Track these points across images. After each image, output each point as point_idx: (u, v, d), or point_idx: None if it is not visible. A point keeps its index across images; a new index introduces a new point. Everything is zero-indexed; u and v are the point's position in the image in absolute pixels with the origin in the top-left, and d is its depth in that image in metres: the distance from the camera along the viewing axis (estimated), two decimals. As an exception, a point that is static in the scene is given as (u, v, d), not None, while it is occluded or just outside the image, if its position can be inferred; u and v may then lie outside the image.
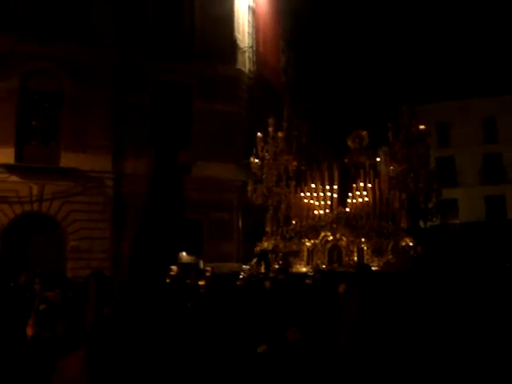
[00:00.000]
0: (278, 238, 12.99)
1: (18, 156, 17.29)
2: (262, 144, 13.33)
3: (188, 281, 10.27)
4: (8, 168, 17.00)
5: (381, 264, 12.88)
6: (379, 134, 13.39)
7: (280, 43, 21.99)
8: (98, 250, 17.66)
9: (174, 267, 12.08)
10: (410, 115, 12.98)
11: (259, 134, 13.47)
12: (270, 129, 13.27)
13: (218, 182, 18.61)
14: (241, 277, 11.04)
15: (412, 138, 12.95)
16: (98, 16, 18.17)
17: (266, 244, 12.86)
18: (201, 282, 9.83)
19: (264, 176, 13.17)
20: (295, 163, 13.35)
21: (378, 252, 12.99)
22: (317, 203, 13.23)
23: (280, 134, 13.16)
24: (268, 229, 13.24)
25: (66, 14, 17.91)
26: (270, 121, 13.33)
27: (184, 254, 18.60)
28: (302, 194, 13.31)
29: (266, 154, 13.25)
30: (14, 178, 17.09)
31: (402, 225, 12.97)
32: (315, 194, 13.24)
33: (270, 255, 12.77)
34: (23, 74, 17.42)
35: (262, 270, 12.17)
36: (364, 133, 13.75)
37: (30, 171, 17.26)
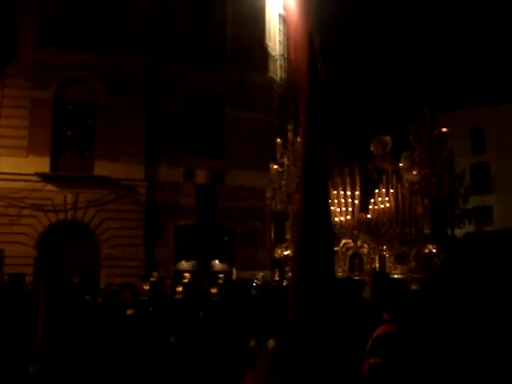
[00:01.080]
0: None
1: (53, 165, 17.79)
2: (282, 150, 13.16)
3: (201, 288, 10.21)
4: (44, 177, 17.50)
5: (404, 271, 12.45)
6: (402, 139, 12.97)
7: (310, 51, 21.73)
8: (132, 257, 17.88)
9: (186, 274, 12.08)
10: (431, 118, 12.50)
11: (278, 139, 13.32)
12: (290, 134, 13.08)
13: (250, 190, 18.55)
14: (254, 285, 10.85)
15: (434, 141, 12.46)
16: (131, 25, 18.56)
17: (279, 252, 12.65)
18: (213, 290, 9.60)
19: (283, 182, 12.97)
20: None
21: (400, 259, 12.53)
22: (338, 209, 12.91)
23: (299, 140, 12.92)
24: (288, 236, 13.01)
25: (99, 24, 18.39)
26: (289, 126, 13.15)
27: (217, 261, 18.68)
28: (323, 201, 12.99)
29: (286, 160, 13.06)
30: (49, 186, 17.57)
31: (426, 231, 12.48)
32: (336, 201, 12.93)
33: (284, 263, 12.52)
34: (59, 84, 17.95)
35: (276, 277, 11.95)
36: (387, 138, 13.35)
37: (64, 180, 17.73)
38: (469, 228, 13.15)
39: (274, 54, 20.24)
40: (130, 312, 7.83)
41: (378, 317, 4.39)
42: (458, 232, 13.31)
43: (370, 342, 4.09)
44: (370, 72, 13.26)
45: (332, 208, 12.91)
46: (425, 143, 12.57)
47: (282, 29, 20.66)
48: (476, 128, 29.06)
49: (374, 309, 5.40)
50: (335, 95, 12.86)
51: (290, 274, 12.34)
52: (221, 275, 11.48)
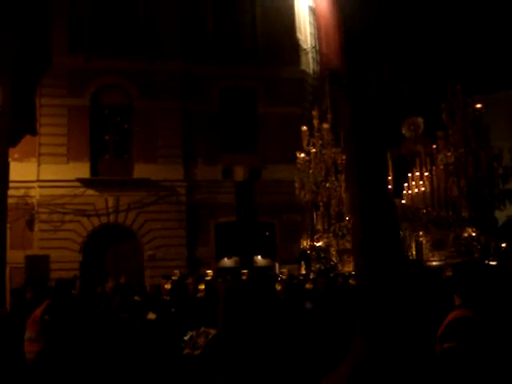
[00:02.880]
0: (331, 235, 12.31)
1: (93, 170, 18.10)
2: (308, 137, 12.78)
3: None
4: (84, 182, 17.84)
5: (442, 258, 11.83)
6: (435, 120, 12.32)
7: (342, 42, 21.23)
8: (175, 257, 17.95)
9: (209, 271, 11.87)
10: (464, 95, 11.83)
11: (304, 127, 12.95)
12: (315, 121, 12.68)
13: (287, 183, 18.13)
14: (279, 279, 10.46)
15: (468, 119, 11.77)
16: (161, 28, 18.68)
17: (304, 243, 12.28)
18: None
19: (311, 171, 12.59)
20: (344, 156, 12.62)
21: (438, 245, 11.92)
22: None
23: (325, 126, 12.53)
24: (319, 226, 12.63)
25: (130, 30, 18.60)
26: (314, 113, 12.77)
27: (259, 257, 18.49)
28: (354, 188, 12.51)
29: (313, 148, 12.66)
30: (90, 191, 17.89)
31: (464, 214, 11.81)
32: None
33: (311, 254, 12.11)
34: (94, 91, 18.27)
35: (303, 271, 11.54)
36: (419, 119, 12.74)
37: (105, 184, 18.01)
38: (510, 210, 12.30)
39: (305, 46, 19.92)
40: (151, 316, 7.62)
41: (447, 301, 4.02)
42: (500, 214, 12.54)
43: (443, 327, 3.73)
44: (399, 52, 12.63)
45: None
46: (458, 122, 11.90)
47: (312, 21, 20.26)
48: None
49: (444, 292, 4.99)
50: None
51: (317, 267, 11.99)
52: (244, 271, 11.13)
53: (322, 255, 12.30)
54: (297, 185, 13.18)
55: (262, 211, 18.43)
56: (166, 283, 9.25)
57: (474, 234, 11.56)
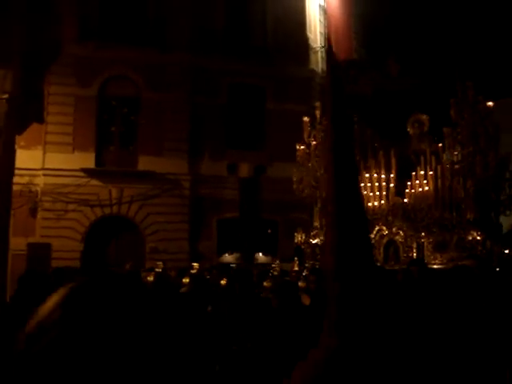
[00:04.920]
0: (328, 233, 11.92)
1: (98, 161, 18.02)
2: (309, 129, 12.44)
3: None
4: (89, 172, 17.75)
5: (444, 261, 11.45)
6: (441, 118, 11.96)
7: (352, 42, 20.98)
8: (176, 250, 17.78)
9: (195, 264, 11.55)
10: (475, 91, 11.45)
11: (305, 118, 12.62)
12: (317, 112, 12.34)
13: (293, 182, 17.95)
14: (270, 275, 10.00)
15: (478, 116, 11.39)
16: (172, 21, 18.56)
17: (299, 237, 11.96)
18: (222, 282, 8.77)
19: (310, 164, 12.23)
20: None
21: (440, 247, 11.54)
22: (371, 194, 12.09)
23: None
24: (316, 223, 12.31)
25: (140, 21, 18.49)
26: (317, 104, 12.44)
27: (260, 254, 18.26)
28: (355, 184, 12.19)
29: (313, 141, 12.31)
30: (94, 181, 17.80)
31: (469, 216, 11.42)
32: (369, 184, 12.12)
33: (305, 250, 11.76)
34: (102, 81, 18.19)
35: (296, 267, 11.18)
36: (424, 117, 12.39)
37: (109, 175, 17.92)
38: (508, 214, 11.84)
39: (314, 45, 19.73)
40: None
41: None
42: (504, 221, 12.12)
43: None
44: (405, 46, 12.32)
45: (365, 192, 12.10)
46: (467, 118, 11.52)
47: (322, 20, 20.02)
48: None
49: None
50: (368, 72, 12.01)
51: (310, 263, 11.62)
52: (233, 265, 10.69)
53: (318, 252, 11.94)
54: (294, 178, 12.77)
55: (265, 208, 18.24)
56: (148, 275, 8.79)
57: (478, 238, 11.16)
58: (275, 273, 10.18)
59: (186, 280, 8.59)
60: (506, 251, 11.50)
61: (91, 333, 1.14)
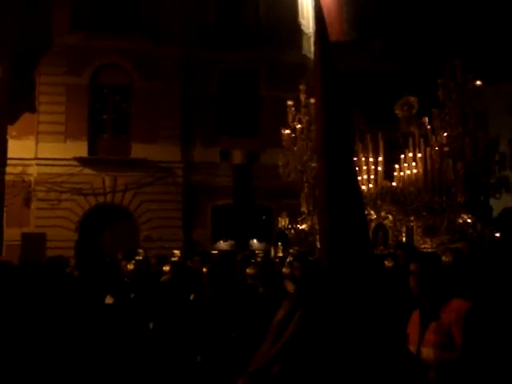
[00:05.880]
0: (315, 218, 11.76)
1: (90, 149, 17.94)
2: (294, 113, 12.23)
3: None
4: (82, 161, 17.68)
5: (434, 245, 11.27)
6: (430, 100, 11.71)
7: (344, 26, 20.69)
8: (170, 238, 17.67)
9: (176, 252, 11.34)
10: (463, 70, 11.21)
11: (289, 101, 12.40)
12: (302, 96, 12.13)
13: (287, 168, 17.83)
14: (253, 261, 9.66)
15: (466, 95, 11.15)
16: (164, 9, 18.38)
17: (283, 222, 11.80)
18: (205, 269, 8.44)
19: (296, 148, 12.03)
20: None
21: (430, 231, 11.37)
22: (359, 178, 11.89)
23: (313, 101, 11.97)
24: (304, 208, 12.14)
25: (132, 10, 18.30)
26: (301, 87, 12.21)
27: (255, 241, 18.16)
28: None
29: (298, 124, 12.10)
30: (87, 170, 17.73)
31: (459, 199, 11.22)
32: (357, 168, 11.91)
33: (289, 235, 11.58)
34: (94, 69, 18.06)
35: (280, 253, 11.00)
36: (413, 99, 12.17)
37: (102, 163, 17.84)
38: (506, 199, 11.64)
39: (307, 31, 19.37)
40: (108, 301, 7.02)
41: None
42: (496, 204, 11.92)
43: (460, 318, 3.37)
44: (392, 25, 12.06)
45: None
46: (456, 99, 11.29)
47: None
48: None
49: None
50: (355, 53, 11.77)
51: (295, 249, 11.42)
52: (215, 251, 10.42)
53: (303, 237, 11.74)
54: (280, 163, 12.58)
55: (259, 195, 18.10)
56: (127, 264, 8.23)
57: (469, 221, 10.97)
58: (258, 259, 9.93)
59: (166, 268, 8.36)
60: (497, 234, 11.32)
61: None
